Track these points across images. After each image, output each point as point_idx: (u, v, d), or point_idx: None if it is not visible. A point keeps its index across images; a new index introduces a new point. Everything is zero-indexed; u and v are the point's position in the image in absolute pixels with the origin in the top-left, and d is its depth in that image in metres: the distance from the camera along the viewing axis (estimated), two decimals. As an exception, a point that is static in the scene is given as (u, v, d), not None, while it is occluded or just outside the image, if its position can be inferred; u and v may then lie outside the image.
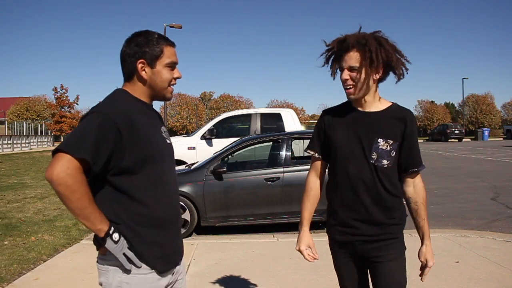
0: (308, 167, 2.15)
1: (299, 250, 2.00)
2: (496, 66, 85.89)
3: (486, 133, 39.51)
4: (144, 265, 1.57)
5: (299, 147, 8.43)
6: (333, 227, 1.98)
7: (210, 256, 4.67)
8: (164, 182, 1.64)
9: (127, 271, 1.55)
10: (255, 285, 3.79)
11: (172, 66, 1.64)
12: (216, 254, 4.74)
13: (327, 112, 2.02)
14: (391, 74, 1.89)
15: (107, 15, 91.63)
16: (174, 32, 22.78)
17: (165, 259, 1.64)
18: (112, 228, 1.51)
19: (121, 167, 1.52)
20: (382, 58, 1.79)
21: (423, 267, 1.96)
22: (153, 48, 1.59)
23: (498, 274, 3.87)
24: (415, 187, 1.93)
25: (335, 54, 1.86)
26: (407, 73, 1.88)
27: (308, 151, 2.05)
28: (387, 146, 1.86)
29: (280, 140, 6.27)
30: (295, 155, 7.64)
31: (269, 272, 4.10)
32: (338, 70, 1.89)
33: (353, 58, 1.79)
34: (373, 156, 1.85)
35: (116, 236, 1.51)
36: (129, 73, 1.64)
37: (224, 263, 4.44)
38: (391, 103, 1.94)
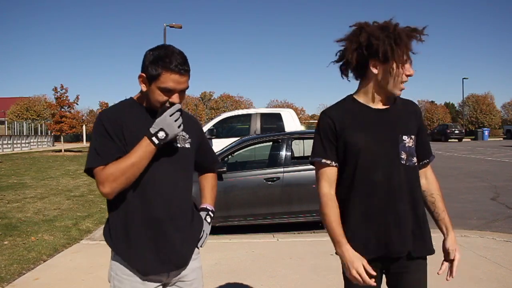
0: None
1: (358, 273, 1.55)
2: (496, 66, 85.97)
3: (486, 133, 39.49)
4: (128, 270, 1.65)
5: (299, 147, 8.43)
6: (353, 244, 1.63)
7: (210, 256, 4.67)
8: (156, 183, 1.64)
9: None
10: (255, 285, 3.79)
11: (166, 91, 1.57)
12: (216, 254, 4.74)
13: (332, 112, 1.72)
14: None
15: (107, 15, 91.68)
16: (174, 32, 22.76)
17: (156, 262, 1.65)
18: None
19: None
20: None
21: (450, 260, 1.73)
22: (154, 68, 1.55)
23: (498, 274, 3.87)
24: (427, 178, 1.80)
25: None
26: None
27: (322, 160, 1.69)
28: (411, 142, 1.70)
29: (280, 140, 6.27)
30: (295, 155, 7.64)
31: (269, 272, 4.10)
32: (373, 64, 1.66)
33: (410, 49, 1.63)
34: (402, 156, 1.67)
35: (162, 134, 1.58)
36: None
37: (224, 263, 4.44)
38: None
